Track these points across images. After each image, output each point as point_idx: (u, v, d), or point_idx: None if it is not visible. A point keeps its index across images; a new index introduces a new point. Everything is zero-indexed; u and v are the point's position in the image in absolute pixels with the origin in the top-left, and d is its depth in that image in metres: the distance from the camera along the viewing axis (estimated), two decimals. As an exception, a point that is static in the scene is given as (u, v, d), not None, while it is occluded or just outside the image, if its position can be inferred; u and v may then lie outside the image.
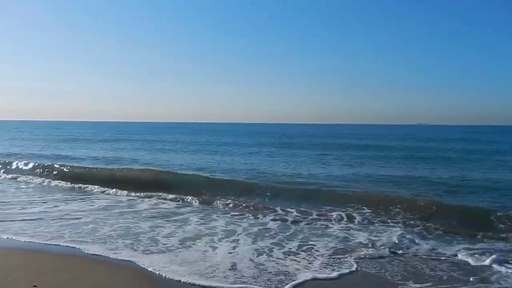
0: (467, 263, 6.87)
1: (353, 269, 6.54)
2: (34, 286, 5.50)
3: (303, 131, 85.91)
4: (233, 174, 17.25)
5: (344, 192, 12.58)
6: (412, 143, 41.16)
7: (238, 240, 8.15)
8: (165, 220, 9.82)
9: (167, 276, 6.06)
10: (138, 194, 13.21)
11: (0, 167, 19.15)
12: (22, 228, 8.79)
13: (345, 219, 10.02)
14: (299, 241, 8.08)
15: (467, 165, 21.04)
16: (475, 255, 7.20)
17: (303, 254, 7.28)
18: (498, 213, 9.78)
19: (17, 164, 19.44)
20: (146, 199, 12.57)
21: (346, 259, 6.98)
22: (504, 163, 22.32)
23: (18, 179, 16.58)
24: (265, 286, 5.71)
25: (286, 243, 7.93)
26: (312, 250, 7.48)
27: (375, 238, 8.37)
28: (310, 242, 7.99)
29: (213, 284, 5.76)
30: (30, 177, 16.75)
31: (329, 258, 7.05)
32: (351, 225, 9.60)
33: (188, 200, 12.31)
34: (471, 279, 6.14)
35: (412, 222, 9.68)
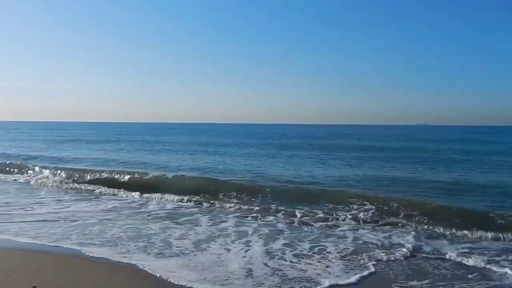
0: (481, 267, 6.90)
1: (371, 271, 6.53)
2: (34, 287, 5.46)
3: (303, 132, 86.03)
4: (233, 175, 17.28)
5: (346, 192, 12.59)
6: (412, 144, 41.25)
7: (250, 241, 8.15)
8: (174, 222, 9.81)
9: (177, 282, 5.90)
10: (149, 195, 13.18)
11: (11, 170, 19.19)
12: (24, 229, 8.81)
13: (351, 219, 10.09)
14: (310, 243, 8.09)
15: (466, 166, 21.10)
16: (476, 256, 7.24)
17: (316, 256, 7.27)
18: (497, 214, 9.88)
19: (26, 166, 19.46)
20: (153, 201, 12.57)
21: (362, 262, 6.97)
22: (503, 164, 22.44)
23: (30, 182, 16.49)
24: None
25: (298, 245, 7.94)
26: (325, 252, 7.49)
27: (384, 239, 8.42)
28: (321, 244, 8.01)
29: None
30: (40, 179, 16.74)
31: (345, 261, 7.02)
32: (357, 225, 9.68)
33: (195, 200, 12.32)
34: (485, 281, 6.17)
35: (414, 223, 9.74)
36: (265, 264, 6.78)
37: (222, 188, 13.60)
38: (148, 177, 15.89)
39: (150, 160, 23.66)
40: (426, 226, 9.45)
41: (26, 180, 16.85)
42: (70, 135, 59.55)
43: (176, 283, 5.88)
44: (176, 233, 8.73)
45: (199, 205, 11.92)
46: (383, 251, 7.58)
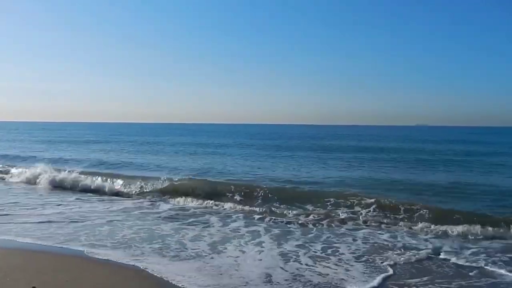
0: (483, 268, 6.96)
1: (390, 273, 6.55)
2: (33, 287, 5.45)
3: (303, 132, 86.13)
4: (234, 175, 17.37)
5: (347, 193, 12.61)
6: (412, 145, 41.40)
7: (263, 242, 8.21)
8: (186, 223, 9.84)
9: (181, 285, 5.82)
10: (159, 197, 13.27)
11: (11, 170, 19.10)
12: (28, 229, 8.87)
13: (355, 220, 10.29)
14: (321, 244, 8.15)
15: (465, 167, 21.19)
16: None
17: (332, 258, 7.26)
18: (496, 214, 10.03)
19: (29, 168, 19.35)
20: (163, 202, 12.59)
21: (378, 264, 7.00)
22: (504, 164, 22.60)
23: (32, 183, 16.43)
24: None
25: (310, 246, 7.99)
26: (338, 254, 7.52)
27: (392, 240, 8.55)
28: (333, 245, 8.06)
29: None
30: (41, 179, 16.67)
31: (362, 263, 7.03)
32: (361, 226, 9.89)
33: (205, 203, 12.37)
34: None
35: (416, 223, 9.85)
36: (282, 268, 6.71)
37: (224, 189, 13.64)
38: (151, 180, 15.91)
39: (150, 161, 23.67)
40: (430, 227, 9.52)
41: (26, 180, 16.79)
42: (70, 135, 59.40)
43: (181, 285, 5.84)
44: (189, 234, 8.75)
45: (204, 207, 11.97)
46: (395, 252, 7.64)
